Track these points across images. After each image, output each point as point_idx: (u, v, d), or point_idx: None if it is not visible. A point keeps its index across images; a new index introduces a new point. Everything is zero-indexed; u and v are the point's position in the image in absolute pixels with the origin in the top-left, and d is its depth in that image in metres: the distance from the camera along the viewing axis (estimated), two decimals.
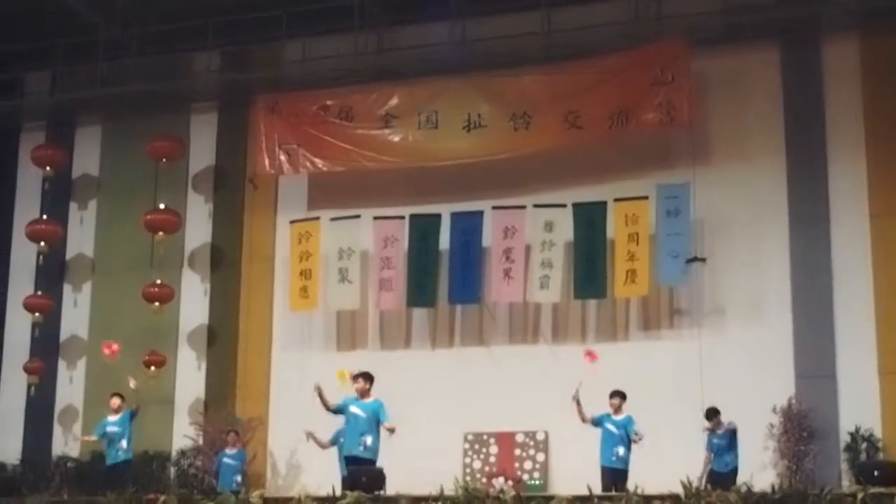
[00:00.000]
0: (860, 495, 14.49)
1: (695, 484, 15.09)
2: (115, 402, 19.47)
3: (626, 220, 20.59)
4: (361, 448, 16.23)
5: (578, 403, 17.35)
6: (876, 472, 15.64)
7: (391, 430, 16.14)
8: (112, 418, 19.34)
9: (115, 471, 19.13)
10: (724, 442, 17.85)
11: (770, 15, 20.59)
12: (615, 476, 17.09)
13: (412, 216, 21.94)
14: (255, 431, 21.97)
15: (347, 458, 16.57)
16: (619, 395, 17.66)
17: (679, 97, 20.20)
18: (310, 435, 18.80)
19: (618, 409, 17.63)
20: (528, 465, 20.78)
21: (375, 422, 16.25)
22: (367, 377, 16.50)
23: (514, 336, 21.63)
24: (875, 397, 19.24)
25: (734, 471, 17.63)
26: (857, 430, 19.10)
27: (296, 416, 19.43)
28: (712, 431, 17.94)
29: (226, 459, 20.37)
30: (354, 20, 22.20)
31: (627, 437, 17.40)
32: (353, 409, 16.32)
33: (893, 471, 15.73)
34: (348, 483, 16.32)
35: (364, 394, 16.42)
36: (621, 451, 17.37)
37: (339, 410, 16.50)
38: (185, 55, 24.17)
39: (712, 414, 17.98)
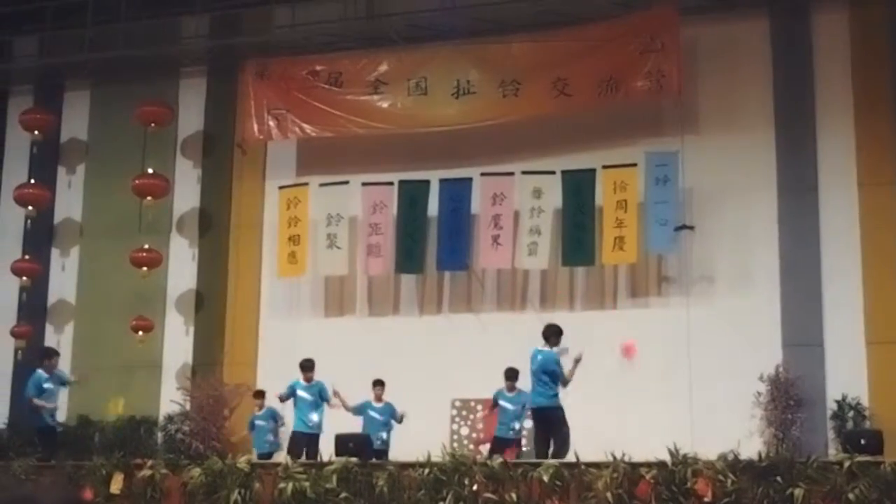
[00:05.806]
0: (846, 463, 14.56)
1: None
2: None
3: (615, 188, 20.58)
4: None
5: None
6: (862, 441, 15.73)
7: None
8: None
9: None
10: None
11: None
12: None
13: (401, 182, 21.89)
14: (243, 397, 21.95)
15: None
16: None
17: (668, 65, 20.18)
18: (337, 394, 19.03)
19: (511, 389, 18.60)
20: None
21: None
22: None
23: (502, 303, 21.65)
24: (862, 366, 19.28)
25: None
26: (844, 398, 19.15)
27: (283, 381, 19.40)
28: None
29: (257, 422, 20.89)
30: None
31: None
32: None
33: (879, 439, 15.82)
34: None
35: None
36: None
37: None
38: (174, 20, 24.05)
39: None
